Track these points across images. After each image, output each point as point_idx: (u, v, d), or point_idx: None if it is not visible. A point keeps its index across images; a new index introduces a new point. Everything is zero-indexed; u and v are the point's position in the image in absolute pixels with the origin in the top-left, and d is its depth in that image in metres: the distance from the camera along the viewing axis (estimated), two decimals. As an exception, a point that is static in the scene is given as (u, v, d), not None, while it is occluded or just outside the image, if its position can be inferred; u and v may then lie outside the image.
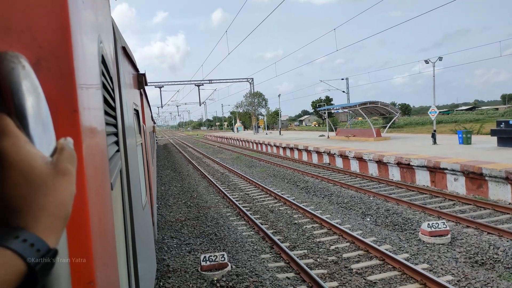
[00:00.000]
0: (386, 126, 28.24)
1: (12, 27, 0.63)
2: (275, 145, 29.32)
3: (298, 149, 24.51)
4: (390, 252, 6.95)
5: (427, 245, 7.33)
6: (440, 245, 7.25)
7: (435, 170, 12.69)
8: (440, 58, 18.94)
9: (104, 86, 1.29)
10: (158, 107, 75.36)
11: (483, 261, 6.54)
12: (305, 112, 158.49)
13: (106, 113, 1.29)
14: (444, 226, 7.46)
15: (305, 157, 23.39)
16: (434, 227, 7.42)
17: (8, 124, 0.46)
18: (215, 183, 15.79)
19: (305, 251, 7.57)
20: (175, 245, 8.28)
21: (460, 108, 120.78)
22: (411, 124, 69.18)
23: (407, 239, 7.78)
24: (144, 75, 4.83)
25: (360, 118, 75.91)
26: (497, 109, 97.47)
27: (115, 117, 1.68)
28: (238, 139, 43.59)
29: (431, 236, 7.39)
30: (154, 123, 24.74)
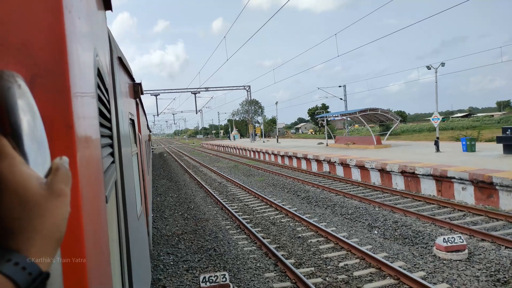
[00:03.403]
0: (384, 133, 27.87)
1: (8, 44, 0.61)
2: (273, 153, 28.82)
3: (297, 157, 24.03)
4: (405, 269, 6.43)
5: (444, 261, 6.82)
6: (458, 262, 6.75)
7: (441, 179, 12.24)
8: (443, 64, 18.65)
9: (99, 99, 1.28)
10: (154, 115, 74.58)
11: (505, 279, 6.04)
12: (301, 120, 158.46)
13: (101, 125, 1.27)
14: (461, 240, 6.97)
15: (304, 165, 22.91)
16: (450, 241, 6.93)
17: (4, 146, 0.45)
18: (212, 193, 15.24)
19: (312, 268, 7.04)
20: (171, 263, 7.71)
21: (455, 115, 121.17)
22: (408, 131, 69.14)
23: (421, 255, 7.27)
24: (140, 84, 4.80)
25: (356, 126, 75.75)
26: (492, 115, 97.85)
27: (110, 129, 1.65)
28: (235, 147, 43.05)
29: (447, 252, 6.89)
30: (150, 131, 24.26)
